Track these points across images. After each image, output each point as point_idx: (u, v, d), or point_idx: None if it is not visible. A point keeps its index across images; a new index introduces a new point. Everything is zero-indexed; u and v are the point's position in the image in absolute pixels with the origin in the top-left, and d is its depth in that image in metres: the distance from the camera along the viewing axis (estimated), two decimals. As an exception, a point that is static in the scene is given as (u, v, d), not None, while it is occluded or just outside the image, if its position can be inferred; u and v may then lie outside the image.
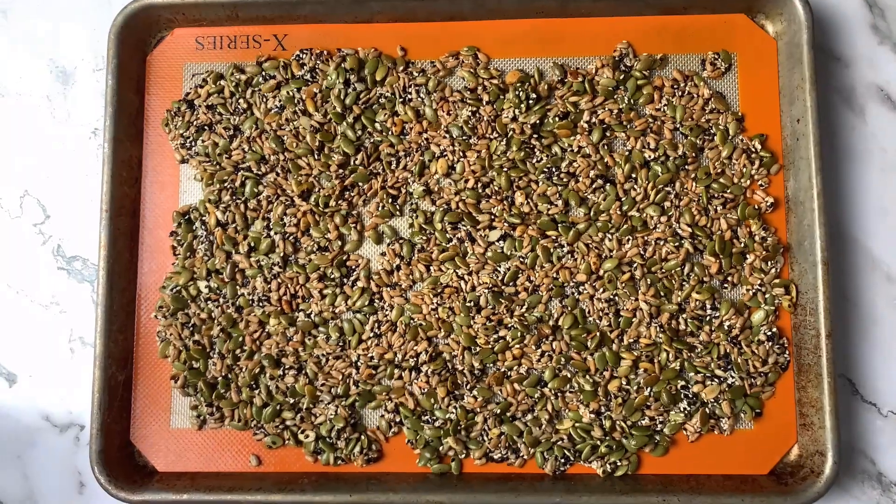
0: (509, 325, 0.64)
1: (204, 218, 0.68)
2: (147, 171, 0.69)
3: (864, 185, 0.68)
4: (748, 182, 0.65)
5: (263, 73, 0.68)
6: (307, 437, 0.65)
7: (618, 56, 0.67)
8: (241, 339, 0.66)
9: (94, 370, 0.65)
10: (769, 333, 0.64)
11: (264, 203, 0.67)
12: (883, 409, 0.66)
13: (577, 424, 0.63)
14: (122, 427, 0.66)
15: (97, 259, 0.65)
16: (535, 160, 0.66)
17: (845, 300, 0.67)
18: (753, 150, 0.66)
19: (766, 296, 0.64)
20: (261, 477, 0.65)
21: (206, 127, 0.69)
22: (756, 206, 0.65)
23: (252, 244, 0.67)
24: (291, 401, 0.65)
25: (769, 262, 0.64)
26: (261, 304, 0.66)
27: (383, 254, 0.66)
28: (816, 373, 0.62)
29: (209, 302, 0.67)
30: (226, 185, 0.68)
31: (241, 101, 0.68)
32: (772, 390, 0.64)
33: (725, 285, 0.65)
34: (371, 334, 0.65)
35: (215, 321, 0.66)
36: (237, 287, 0.67)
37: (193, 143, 0.68)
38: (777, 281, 0.64)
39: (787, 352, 0.64)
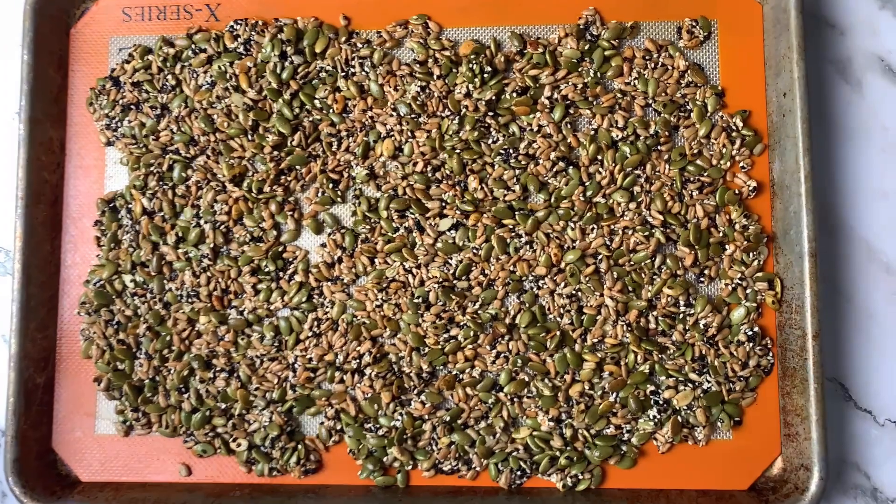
0: (461, 324, 0.60)
1: (130, 205, 0.62)
2: (71, 154, 0.64)
3: (861, 167, 0.62)
4: (728, 164, 0.60)
5: (194, 46, 0.63)
6: (239, 445, 0.60)
7: (583, 24, 0.62)
8: (168, 338, 0.61)
9: (8, 372, 0.60)
10: (750, 333, 0.59)
11: (193, 189, 0.62)
12: (879, 416, 0.60)
13: (534, 433, 0.59)
14: (42, 433, 0.62)
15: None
16: (490, 141, 0.61)
17: (838, 295, 0.61)
18: (734, 128, 0.61)
19: (748, 291, 0.59)
20: (190, 488, 0.61)
21: (132, 106, 0.63)
22: (737, 191, 0.60)
23: (180, 234, 0.62)
24: (223, 406, 0.61)
25: (751, 254, 0.59)
26: (190, 300, 0.61)
27: (323, 245, 0.62)
28: (802, 377, 0.56)
29: (135, 297, 0.62)
30: (153, 169, 0.62)
31: (169, 77, 0.63)
32: (753, 396, 0.59)
33: (701, 279, 0.60)
34: (309, 333, 0.61)
35: (141, 318, 0.62)
36: (164, 281, 0.62)
37: (119, 124, 0.63)
38: (760, 274, 0.59)
39: (771, 353, 0.59)
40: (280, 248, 0.61)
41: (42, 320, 0.62)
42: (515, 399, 0.59)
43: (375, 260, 0.61)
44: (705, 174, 0.60)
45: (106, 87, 0.64)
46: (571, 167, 0.60)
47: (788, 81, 0.58)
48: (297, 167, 0.61)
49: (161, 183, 0.62)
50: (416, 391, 0.59)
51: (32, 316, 0.61)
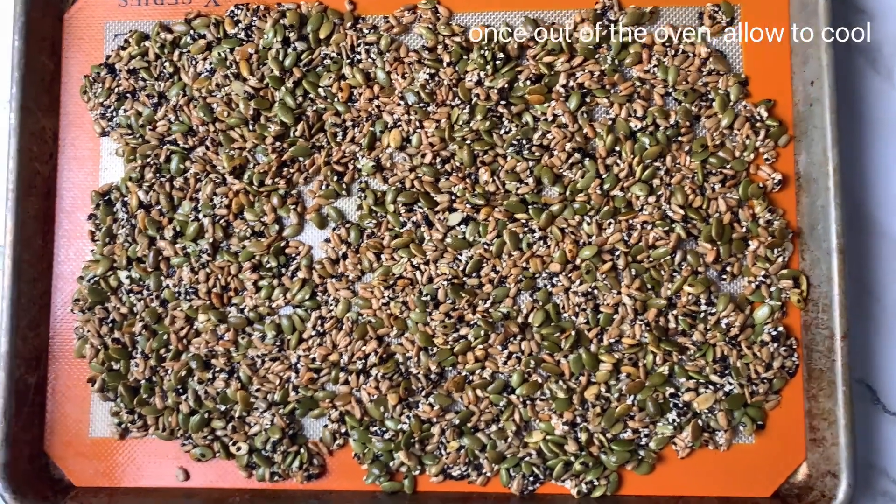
0: (472, 323, 0.57)
1: (126, 198, 0.60)
2: (64, 145, 0.62)
3: (892, 160, 0.60)
4: (752, 156, 0.58)
5: (193, 32, 0.61)
6: (239, 449, 0.58)
7: (600, 9, 0.59)
8: (166, 337, 0.59)
9: (-2, 372, 0.57)
10: (774, 333, 0.57)
11: (192, 181, 0.60)
12: (908, 420, 0.57)
13: (548, 437, 0.57)
14: (34, 436, 0.60)
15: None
16: (502, 131, 0.59)
17: (866, 294, 0.59)
18: (759, 118, 0.58)
19: (772, 289, 0.57)
20: (188, 493, 0.59)
21: (128, 94, 0.61)
22: (761, 185, 0.58)
23: (178, 228, 0.60)
24: (222, 408, 0.59)
25: (775, 250, 0.57)
26: (188, 297, 0.59)
27: (327, 240, 0.59)
28: (829, 380, 0.54)
29: (131, 294, 0.60)
30: (149, 160, 0.60)
31: (167, 64, 0.60)
32: (777, 399, 0.57)
33: (724, 277, 0.57)
34: (313, 333, 0.58)
35: (137, 316, 0.59)
36: (161, 278, 0.59)
37: (115, 114, 0.61)
38: (784, 272, 0.57)
39: (796, 355, 0.57)
40: (282, 244, 0.59)
41: (34, 318, 0.60)
42: (528, 402, 0.57)
43: (382, 256, 0.58)
44: (728, 166, 0.57)
45: (101, 74, 0.61)
46: (588, 159, 0.58)
47: (816, 69, 0.55)
48: (301, 159, 0.59)
49: (158, 175, 0.60)
50: (424, 393, 0.57)
51: (24, 313, 0.59)
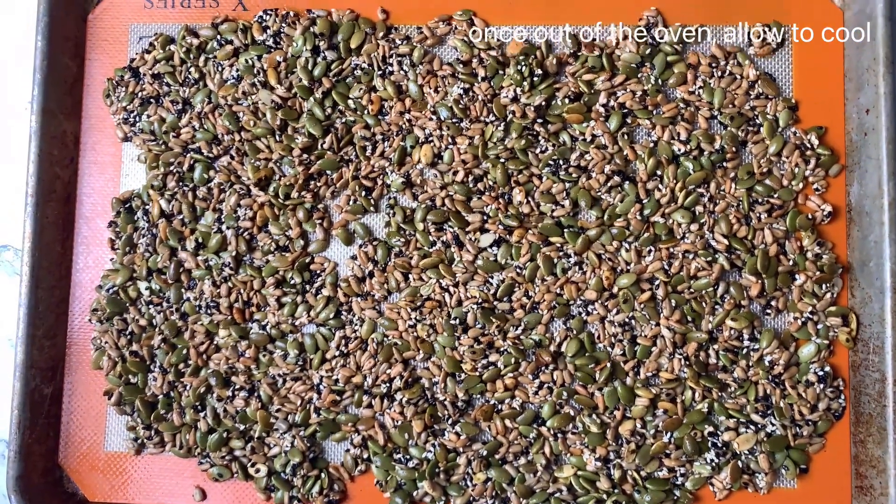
0: (501, 350, 0.55)
1: (147, 206, 0.58)
2: (85, 149, 0.61)
3: None
4: (801, 185, 0.56)
5: (219, 37, 0.59)
6: (258, 471, 0.56)
7: (644, 25, 0.57)
8: (185, 351, 0.57)
9: (13, 382, 0.56)
10: (821, 373, 0.54)
11: (216, 191, 0.58)
12: (956, 468, 0.55)
13: (579, 473, 0.55)
14: (48, 448, 0.59)
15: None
16: (538, 150, 0.57)
17: None
18: (809, 145, 0.56)
19: (819, 326, 0.55)
20: None
21: (152, 100, 0.59)
22: (810, 216, 0.55)
23: (200, 240, 0.58)
24: (241, 427, 0.57)
25: (824, 286, 0.55)
26: (209, 311, 0.57)
27: (354, 257, 0.57)
28: (880, 426, 0.51)
29: (150, 306, 0.58)
30: (172, 168, 0.58)
31: (192, 69, 0.58)
32: (821, 443, 0.54)
33: (768, 311, 0.55)
34: (336, 353, 0.57)
35: (157, 329, 0.58)
36: (182, 290, 0.58)
37: (138, 119, 0.59)
38: (833, 309, 0.55)
39: (843, 397, 0.55)
40: (307, 259, 0.57)
41: (50, 326, 0.58)
42: (559, 435, 0.55)
43: (410, 276, 0.56)
44: (775, 195, 0.55)
45: (124, 78, 0.60)
46: (628, 182, 0.55)
47: (872, 97, 0.53)
48: (328, 172, 0.57)
49: (181, 183, 0.58)
50: (450, 421, 0.55)
51: (40, 322, 0.57)
